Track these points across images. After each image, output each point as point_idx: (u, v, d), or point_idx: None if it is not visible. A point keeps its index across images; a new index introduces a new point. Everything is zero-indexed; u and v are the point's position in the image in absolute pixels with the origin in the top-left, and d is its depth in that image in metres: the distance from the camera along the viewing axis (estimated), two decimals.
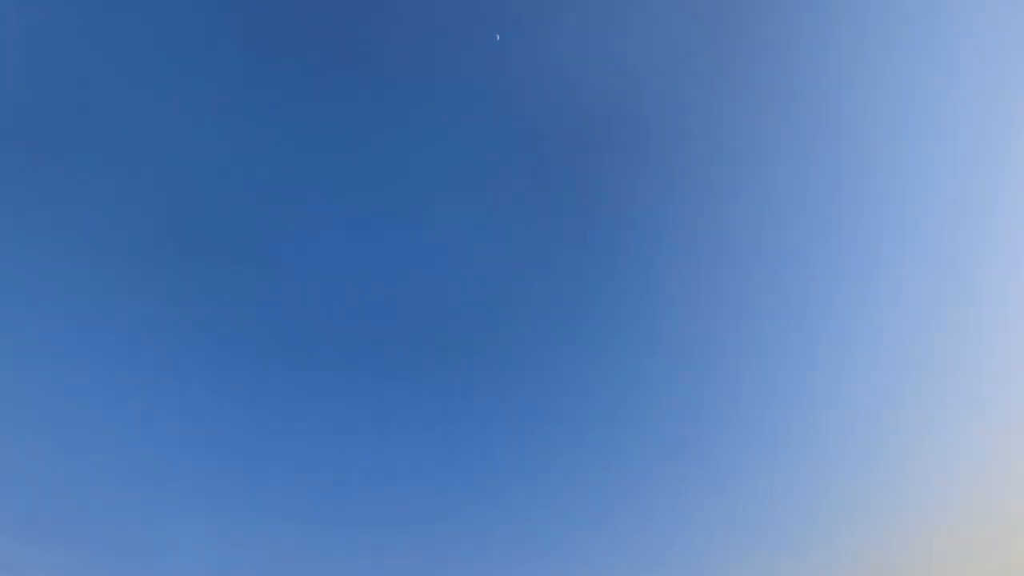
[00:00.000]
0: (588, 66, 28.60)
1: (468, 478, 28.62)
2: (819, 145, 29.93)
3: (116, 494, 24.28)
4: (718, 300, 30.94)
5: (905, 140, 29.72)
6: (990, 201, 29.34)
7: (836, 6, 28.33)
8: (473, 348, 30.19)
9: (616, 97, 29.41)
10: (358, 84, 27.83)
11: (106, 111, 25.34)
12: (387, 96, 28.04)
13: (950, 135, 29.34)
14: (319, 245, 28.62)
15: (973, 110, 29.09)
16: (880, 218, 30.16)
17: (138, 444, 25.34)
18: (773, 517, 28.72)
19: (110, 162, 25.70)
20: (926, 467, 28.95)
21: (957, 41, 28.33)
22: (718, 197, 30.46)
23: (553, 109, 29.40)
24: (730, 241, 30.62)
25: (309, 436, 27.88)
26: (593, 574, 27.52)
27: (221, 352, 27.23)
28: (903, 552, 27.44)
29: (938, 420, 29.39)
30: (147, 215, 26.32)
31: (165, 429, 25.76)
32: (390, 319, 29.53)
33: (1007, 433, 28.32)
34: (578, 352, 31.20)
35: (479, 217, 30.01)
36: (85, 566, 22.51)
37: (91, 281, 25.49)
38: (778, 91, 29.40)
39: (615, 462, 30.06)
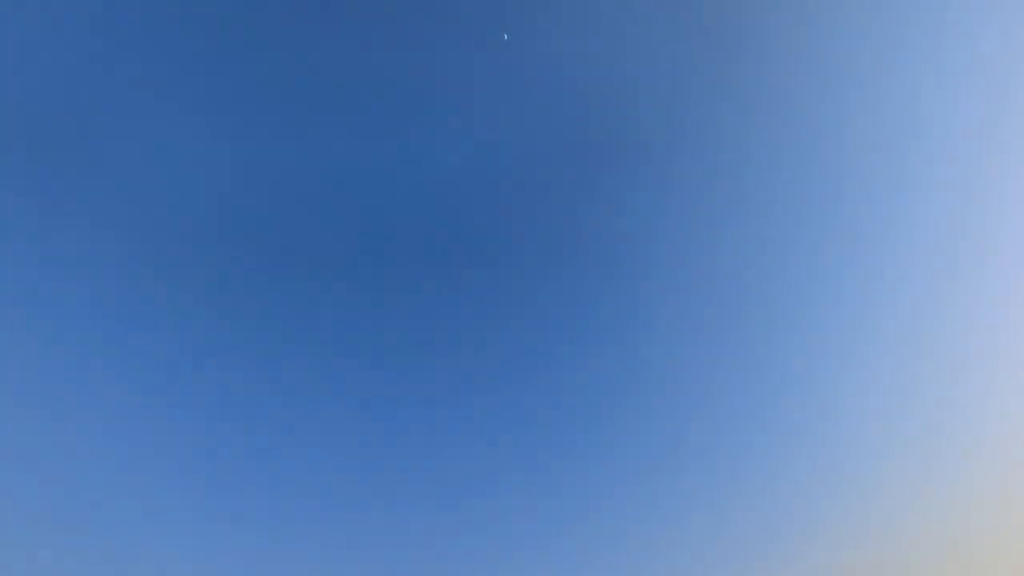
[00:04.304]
0: (586, 64, 28.71)
1: (468, 476, 28.76)
2: (819, 148, 29.98)
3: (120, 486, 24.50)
4: (719, 299, 31.01)
5: (907, 141, 29.73)
6: (990, 203, 29.35)
7: (836, 10, 28.37)
8: (474, 348, 30.32)
9: (612, 99, 29.52)
10: (356, 82, 28.01)
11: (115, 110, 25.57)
12: (381, 94, 28.18)
13: (951, 137, 29.35)
14: (325, 243, 28.79)
15: (973, 112, 29.09)
16: (882, 221, 30.20)
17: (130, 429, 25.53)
18: (773, 518, 28.77)
19: (120, 161, 25.92)
20: (925, 468, 28.97)
21: (958, 44, 28.32)
22: (718, 197, 30.55)
23: (551, 109, 29.53)
24: (730, 240, 30.70)
25: (312, 433, 28.07)
26: (591, 572, 27.60)
27: (226, 340, 27.44)
28: (903, 553, 27.45)
29: (938, 421, 29.41)
30: (158, 214, 26.54)
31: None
32: (392, 319, 29.72)
33: (1008, 434, 28.31)
34: (578, 351, 31.30)
35: (479, 216, 30.18)
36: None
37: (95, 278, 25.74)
38: (778, 94, 29.45)
39: (614, 461, 30.16)
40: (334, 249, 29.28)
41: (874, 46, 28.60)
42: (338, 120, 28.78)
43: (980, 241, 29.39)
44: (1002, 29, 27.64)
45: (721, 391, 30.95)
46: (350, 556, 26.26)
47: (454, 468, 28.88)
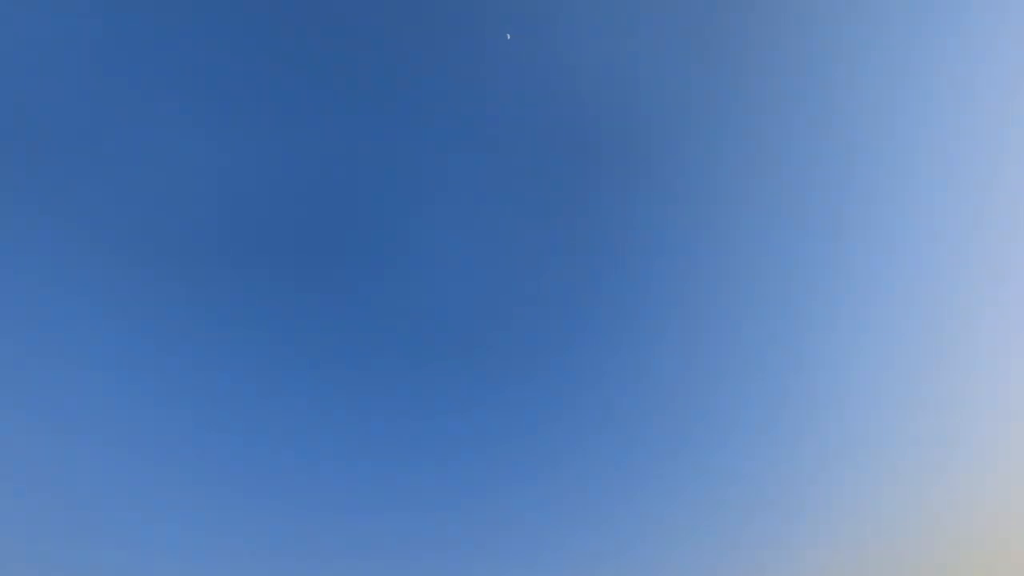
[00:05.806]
0: (586, 67, 28.68)
1: (469, 477, 28.72)
2: (819, 147, 29.93)
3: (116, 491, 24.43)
4: (720, 301, 30.97)
5: (906, 141, 29.69)
6: (992, 203, 29.32)
7: (833, 9, 28.31)
8: (475, 350, 30.28)
9: (614, 99, 29.48)
10: (354, 83, 27.92)
11: (113, 113, 25.44)
12: (385, 96, 28.11)
13: (950, 137, 29.31)
14: (327, 246, 28.74)
15: (971, 112, 29.05)
16: (882, 220, 30.16)
17: (139, 437, 25.47)
18: (773, 518, 28.76)
19: (120, 163, 25.82)
20: (924, 468, 28.97)
21: (954, 42, 28.28)
22: (717, 198, 30.50)
23: (552, 109, 29.48)
24: (730, 242, 30.66)
25: (313, 435, 28.01)
26: (592, 574, 27.59)
27: (230, 349, 27.38)
28: (901, 554, 27.46)
29: (937, 422, 29.40)
30: (158, 216, 26.44)
31: (169, 424, 25.88)
32: (393, 319, 29.66)
33: (1008, 435, 28.32)
34: (581, 352, 31.26)
35: (480, 217, 30.10)
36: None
37: (103, 281, 25.64)
38: (777, 93, 29.40)
39: (615, 463, 30.12)
40: (330, 249, 29.23)
41: (872, 44, 28.57)
42: (331, 123, 28.70)
43: (980, 242, 29.39)
44: (1002, 30, 27.62)
45: (725, 393, 30.92)
46: (353, 558, 26.26)
47: (458, 469, 28.85)
